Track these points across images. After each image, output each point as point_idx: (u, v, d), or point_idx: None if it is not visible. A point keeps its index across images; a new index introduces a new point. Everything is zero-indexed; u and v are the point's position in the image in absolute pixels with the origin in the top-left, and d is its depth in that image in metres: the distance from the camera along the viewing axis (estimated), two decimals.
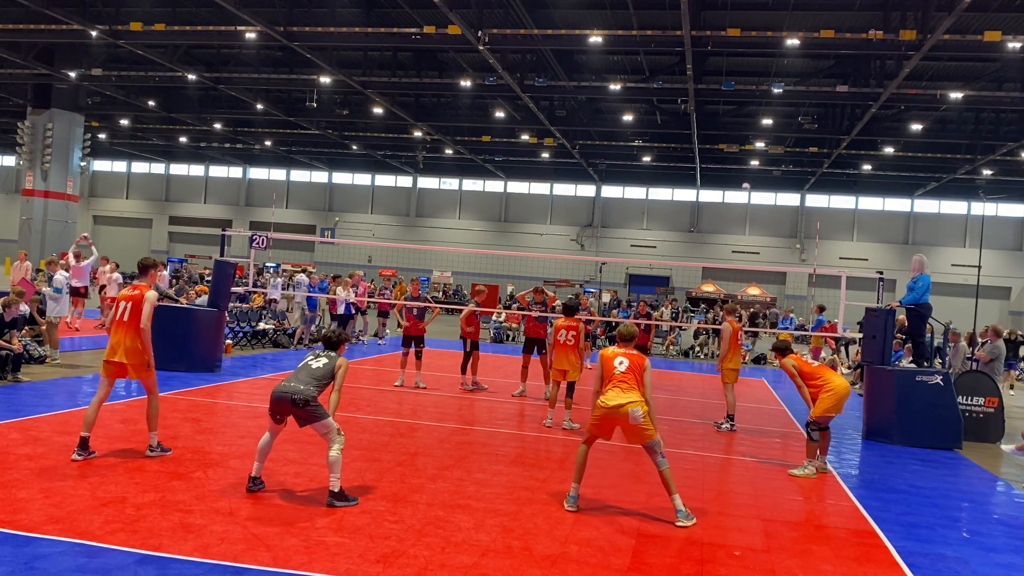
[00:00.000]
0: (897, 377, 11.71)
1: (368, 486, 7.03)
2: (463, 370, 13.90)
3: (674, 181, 49.94)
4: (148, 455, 7.47)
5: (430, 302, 15.41)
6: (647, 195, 52.32)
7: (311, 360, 6.85)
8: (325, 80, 30.55)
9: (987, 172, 37.77)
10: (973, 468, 10.17)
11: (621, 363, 6.98)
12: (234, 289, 15.65)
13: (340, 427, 6.59)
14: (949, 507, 7.99)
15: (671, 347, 26.80)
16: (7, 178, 57.49)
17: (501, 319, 27.00)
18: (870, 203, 49.49)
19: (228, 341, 16.21)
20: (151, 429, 7.58)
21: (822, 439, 9.10)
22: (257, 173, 58.57)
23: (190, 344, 13.32)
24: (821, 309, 21.76)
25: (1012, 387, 19.85)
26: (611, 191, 52.59)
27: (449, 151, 44.26)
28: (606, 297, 41.81)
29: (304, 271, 28.42)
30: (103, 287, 20.90)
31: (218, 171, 58.80)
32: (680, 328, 27.05)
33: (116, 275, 20.14)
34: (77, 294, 19.90)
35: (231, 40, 27.95)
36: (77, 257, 20.03)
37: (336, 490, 6.42)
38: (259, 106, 35.07)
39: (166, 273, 22.92)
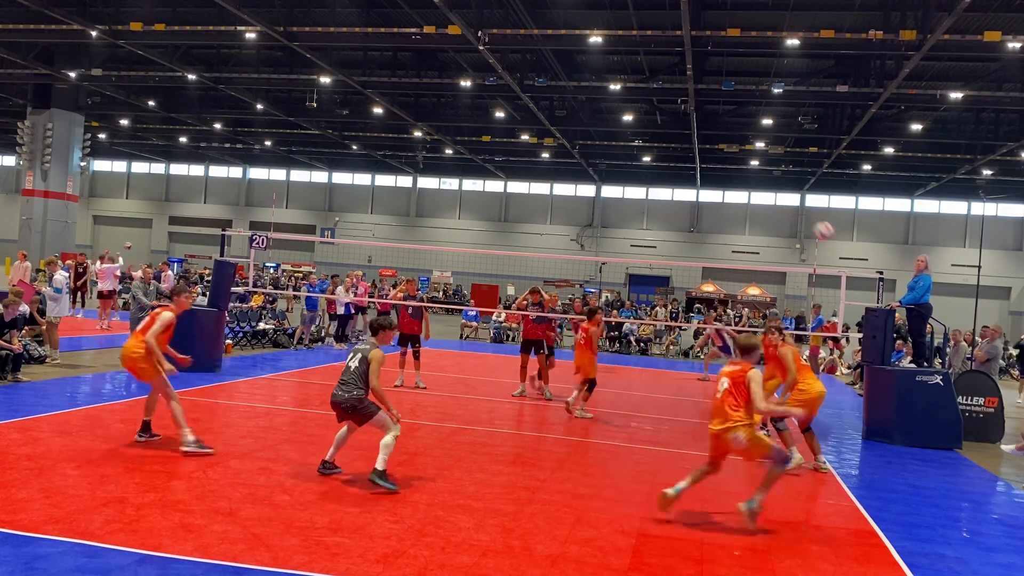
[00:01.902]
0: (897, 377, 11.71)
1: (368, 486, 7.03)
2: (540, 375, 13.57)
3: (674, 181, 49.93)
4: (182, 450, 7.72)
5: (426, 302, 15.38)
6: (647, 195, 52.32)
7: (350, 360, 7.21)
8: (325, 80, 30.55)
9: (987, 172, 37.76)
10: (973, 468, 10.17)
11: (722, 384, 6.80)
12: (234, 289, 15.66)
13: (398, 415, 7.10)
14: (949, 507, 7.99)
15: (671, 347, 26.82)
16: (7, 178, 57.50)
17: (501, 319, 27.03)
18: (870, 203, 49.49)
19: (228, 341, 16.21)
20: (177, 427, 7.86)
21: (810, 440, 9.17)
22: (257, 173, 58.55)
23: (190, 344, 13.26)
24: (819, 308, 21.78)
25: None
26: (611, 191, 52.58)
27: (449, 151, 44.26)
28: (605, 296, 41.82)
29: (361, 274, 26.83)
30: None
31: (218, 171, 58.79)
32: (680, 328, 27.07)
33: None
34: (102, 296, 19.98)
35: (231, 40, 27.94)
36: (101, 259, 20.09)
37: (381, 468, 6.88)
38: (259, 106, 35.06)
39: (171, 273, 22.95)
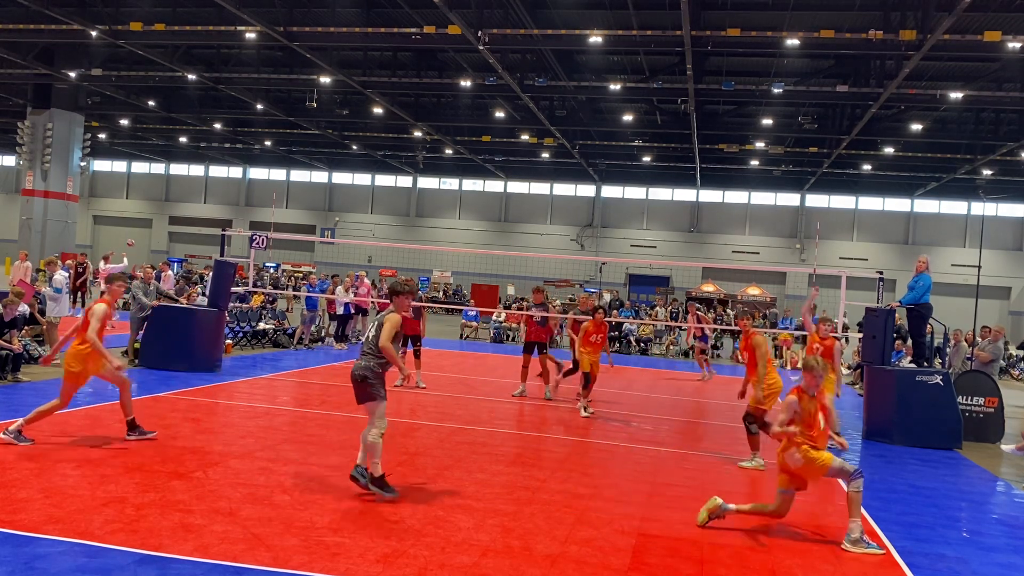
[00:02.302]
0: (897, 377, 11.70)
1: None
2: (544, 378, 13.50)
3: (674, 181, 49.93)
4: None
5: (424, 301, 15.39)
6: (647, 195, 52.32)
7: (370, 330, 6.97)
8: (325, 80, 30.54)
9: (987, 172, 37.75)
10: (973, 468, 10.17)
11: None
12: (234, 289, 15.66)
13: (407, 372, 6.81)
14: (949, 507, 7.99)
15: (671, 347, 26.81)
16: (7, 178, 57.50)
17: (501, 319, 27.03)
18: (870, 203, 49.48)
19: (228, 341, 16.21)
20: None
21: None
22: (257, 173, 58.55)
23: (190, 344, 13.33)
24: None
25: None
26: (611, 191, 52.58)
27: (449, 151, 44.26)
28: (606, 297, 41.83)
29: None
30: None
31: (218, 171, 58.78)
32: (680, 328, 27.04)
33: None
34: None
35: (231, 40, 27.94)
36: (105, 260, 20.05)
37: (377, 475, 6.60)
38: (259, 106, 35.06)
39: (171, 273, 22.95)
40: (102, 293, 8.72)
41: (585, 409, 11.91)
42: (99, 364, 7.96)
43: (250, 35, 25.70)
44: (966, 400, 12.28)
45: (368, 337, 6.95)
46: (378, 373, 6.72)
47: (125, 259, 20.90)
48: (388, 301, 7.12)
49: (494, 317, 27.15)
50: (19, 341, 11.43)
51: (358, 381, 6.72)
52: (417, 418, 10.75)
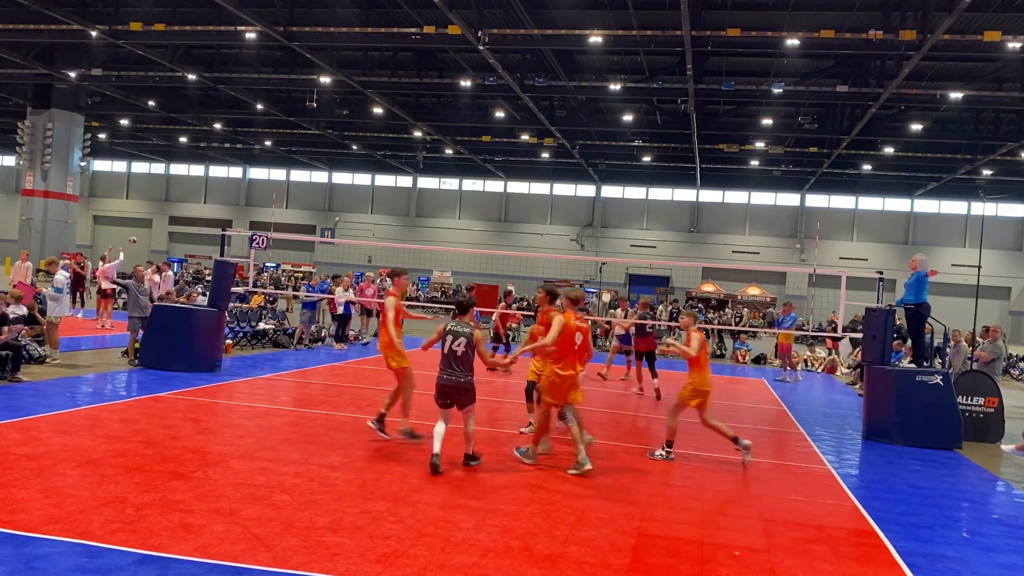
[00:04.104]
0: (897, 377, 11.70)
1: (368, 486, 7.03)
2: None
3: (674, 181, 49.94)
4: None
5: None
6: (647, 195, 52.33)
7: (455, 346, 7.82)
8: (325, 80, 30.56)
9: (987, 172, 37.77)
10: (973, 468, 10.17)
11: (578, 337, 8.44)
12: (234, 289, 15.65)
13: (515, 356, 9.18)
14: (949, 507, 7.99)
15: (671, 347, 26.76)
16: (7, 178, 57.51)
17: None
18: (870, 203, 49.49)
19: (228, 341, 16.20)
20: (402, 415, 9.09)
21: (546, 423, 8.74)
22: (257, 173, 58.56)
23: (190, 344, 13.33)
24: (790, 307, 21.77)
25: None
26: (611, 191, 52.59)
27: (449, 151, 44.27)
28: (606, 297, 41.84)
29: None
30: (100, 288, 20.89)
31: (218, 171, 58.80)
32: (680, 328, 27.01)
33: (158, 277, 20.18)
34: (104, 295, 19.80)
35: (231, 40, 27.96)
36: (103, 260, 20.04)
37: (470, 452, 8.08)
38: (259, 106, 35.08)
39: (171, 273, 22.93)
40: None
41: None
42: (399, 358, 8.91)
43: (250, 35, 25.72)
44: (966, 400, 12.28)
45: (456, 353, 7.79)
46: (473, 383, 7.95)
47: (122, 254, 20.87)
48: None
49: (494, 317, 27.10)
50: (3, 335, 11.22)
51: (464, 391, 7.86)
52: (417, 418, 10.74)
